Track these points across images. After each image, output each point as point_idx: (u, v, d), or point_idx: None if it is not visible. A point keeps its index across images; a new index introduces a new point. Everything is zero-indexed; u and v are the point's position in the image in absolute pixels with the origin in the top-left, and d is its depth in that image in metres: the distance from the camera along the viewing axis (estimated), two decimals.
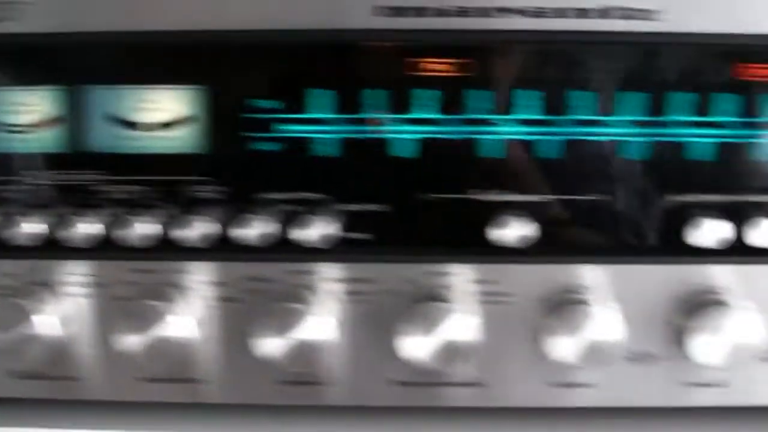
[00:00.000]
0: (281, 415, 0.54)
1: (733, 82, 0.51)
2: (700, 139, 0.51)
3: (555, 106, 0.51)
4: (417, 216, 0.52)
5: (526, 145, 0.51)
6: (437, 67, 0.51)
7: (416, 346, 0.50)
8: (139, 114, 0.52)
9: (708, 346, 0.50)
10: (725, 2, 0.49)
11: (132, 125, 0.52)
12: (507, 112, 0.51)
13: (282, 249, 0.52)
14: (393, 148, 0.52)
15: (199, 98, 0.52)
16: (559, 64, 0.51)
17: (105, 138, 0.52)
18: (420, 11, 0.49)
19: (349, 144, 0.52)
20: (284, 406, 0.54)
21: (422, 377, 0.53)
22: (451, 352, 0.50)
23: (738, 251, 0.51)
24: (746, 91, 0.51)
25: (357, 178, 0.52)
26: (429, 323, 0.50)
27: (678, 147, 0.51)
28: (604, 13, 0.49)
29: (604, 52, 0.50)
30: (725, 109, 0.51)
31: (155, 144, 0.52)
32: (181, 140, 0.52)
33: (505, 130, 0.51)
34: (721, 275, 0.52)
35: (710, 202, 0.52)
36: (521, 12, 0.49)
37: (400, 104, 0.51)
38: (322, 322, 0.52)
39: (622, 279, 0.52)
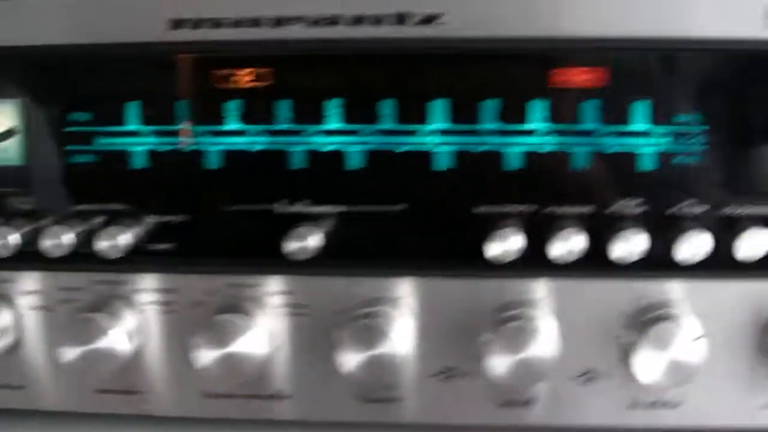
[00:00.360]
0: None
1: (544, 88, 0.50)
2: (510, 148, 0.51)
3: (361, 115, 0.51)
4: (220, 227, 0.52)
5: (332, 155, 0.51)
6: (240, 78, 0.51)
7: (207, 358, 0.50)
8: None
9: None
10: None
11: None
12: (311, 122, 0.51)
13: (90, 259, 0.52)
14: (198, 159, 0.52)
15: (16, 111, 0.53)
16: (364, 73, 0.51)
17: None
18: (216, 23, 0.50)
19: (156, 156, 0.52)
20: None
21: (233, 390, 0.53)
22: (241, 363, 0.50)
23: (543, 265, 0.50)
24: (557, 97, 0.50)
25: (164, 189, 0.53)
26: (221, 336, 0.50)
27: (487, 156, 0.51)
28: (400, 19, 0.49)
29: (404, 59, 0.51)
30: (537, 116, 0.51)
31: None
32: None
33: (308, 141, 0.51)
34: (519, 288, 0.51)
35: (518, 212, 0.51)
36: (315, 22, 0.50)
37: (204, 115, 0.52)
38: (128, 332, 0.52)
39: (424, 291, 0.52)
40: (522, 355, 0.49)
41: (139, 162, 0.53)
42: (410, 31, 0.50)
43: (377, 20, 0.50)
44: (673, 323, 0.49)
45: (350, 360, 0.49)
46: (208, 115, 0.52)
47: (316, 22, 0.50)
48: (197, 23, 0.50)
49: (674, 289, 0.51)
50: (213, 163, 0.53)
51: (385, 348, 0.50)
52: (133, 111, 0.52)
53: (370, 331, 0.50)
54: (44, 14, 0.51)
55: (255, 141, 0.52)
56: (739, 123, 0.50)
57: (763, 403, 0.52)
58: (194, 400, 0.54)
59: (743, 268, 0.50)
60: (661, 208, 0.51)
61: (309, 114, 0.52)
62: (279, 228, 0.51)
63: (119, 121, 0.52)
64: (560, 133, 0.51)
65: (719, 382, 0.51)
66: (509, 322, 0.50)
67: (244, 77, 0.52)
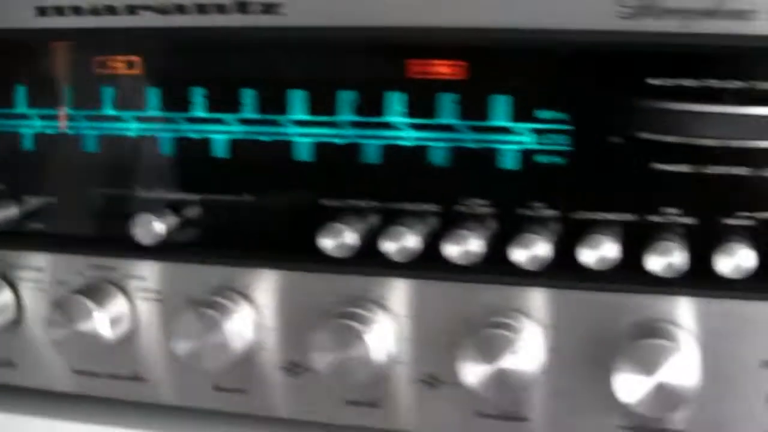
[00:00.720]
0: None
1: (403, 80, 0.49)
2: (366, 141, 0.50)
3: (223, 104, 0.51)
4: (85, 210, 0.54)
5: (198, 143, 0.52)
6: (111, 64, 0.53)
7: (58, 336, 0.52)
8: None
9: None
10: None
11: None
12: (174, 110, 0.52)
13: None
14: (72, 143, 0.54)
15: None
16: (220, 62, 0.51)
17: None
18: (77, 10, 0.51)
19: (39, 138, 0.54)
20: None
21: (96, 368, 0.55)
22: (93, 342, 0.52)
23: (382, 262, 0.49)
24: (416, 89, 0.49)
25: (37, 171, 0.55)
26: (68, 316, 0.52)
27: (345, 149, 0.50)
28: (242, 7, 0.49)
29: (260, 49, 0.51)
30: (395, 109, 0.49)
31: None
32: None
33: (176, 128, 0.52)
34: (355, 284, 0.50)
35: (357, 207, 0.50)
36: (163, 10, 0.50)
37: (79, 100, 0.53)
38: None
39: (271, 283, 0.52)
40: (345, 355, 0.48)
41: (15, 144, 0.55)
42: (252, 20, 0.49)
43: (220, 9, 0.49)
44: (502, 332, 0.47)
45: (182, 347, 0.50)
46: (83, 99, 0.53)
47: (164, 10, 0.50)
48: (60, 10, 0.51)
49: (514, 296, 0.49)
50: (89, 147, 0.54)
51: (218, 338, 0.50)
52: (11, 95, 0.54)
53: (204, 320, 0.50)
54: None
55: (128, 127, 0.53)
56: (599, 121, 0.47)
57: (617, 425, 0.49)
58: (66, 376, 0.56)
59: (591, 278, 0.47)
60: (513, 208, 0.49)
61: (176, 102, 0.52)
62: (137, 212, 0.52)
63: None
64: (417, 127, 0.50)
65: (566, 397, 0.49)
66: (340, 319, 0.48)
67: (114, 64, 0.53)
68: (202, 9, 0.50)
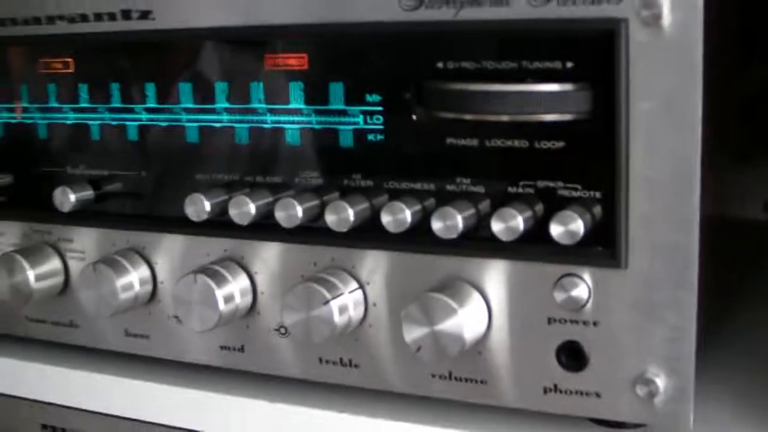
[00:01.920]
0: None
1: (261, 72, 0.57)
2: (238, 125, 0.59)
3: (133, 97, 0.61)
4: (32, 185, 0.66)
5: (117, 128, 0.62)
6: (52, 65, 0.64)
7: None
8: None
9: None
10: None
11: None
12: (102, 102, 0.62)
13: None
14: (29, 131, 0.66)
15: None
16: (124, 61, 0.61)
17: None
18: (13, 21, 0.63)
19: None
20: None
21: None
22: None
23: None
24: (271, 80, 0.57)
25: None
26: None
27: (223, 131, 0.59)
28: (126, 14, 0.59)
29: (151, 49, 0.60)
30: (257, 96, 0.58)
31: None
32: None
33: (101, 117, 0.63)
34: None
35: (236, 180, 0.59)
36: (72, 19, 0.61)
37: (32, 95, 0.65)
38: None
39: (163, 246, 0.61)
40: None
41: None
42: (135, 25, 0.59)
43: (111, 16, 0.59)
44: (314, 286, 0.54)
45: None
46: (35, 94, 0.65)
47: (72, 19, 0.61)
48: (2, 22, 0.63)
49: (340, 256, 0.56)
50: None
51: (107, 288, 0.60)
52: None
53: (99, 275, 0.60)
54: None
55: (68, 116, 0.64)
56: (403, 103, 0.53)
57: (430, 373, 0.55)
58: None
59: (391, 240, 0.53)
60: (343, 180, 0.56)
61: (100, 95, 0.62)
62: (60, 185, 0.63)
63: None
64: (274, 111, 0.58)
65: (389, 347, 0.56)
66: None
67: (54, 64, 0.64)
68: (98, 17, 0.59)
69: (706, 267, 0.50)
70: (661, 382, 0.49)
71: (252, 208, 0.56)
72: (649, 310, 0.49)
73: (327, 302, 0.53)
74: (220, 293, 0.56)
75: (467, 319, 0.51)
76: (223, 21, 0.56)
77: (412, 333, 0.51)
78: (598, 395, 0.51)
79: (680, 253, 0.48)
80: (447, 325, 0.51)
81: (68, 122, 0.63)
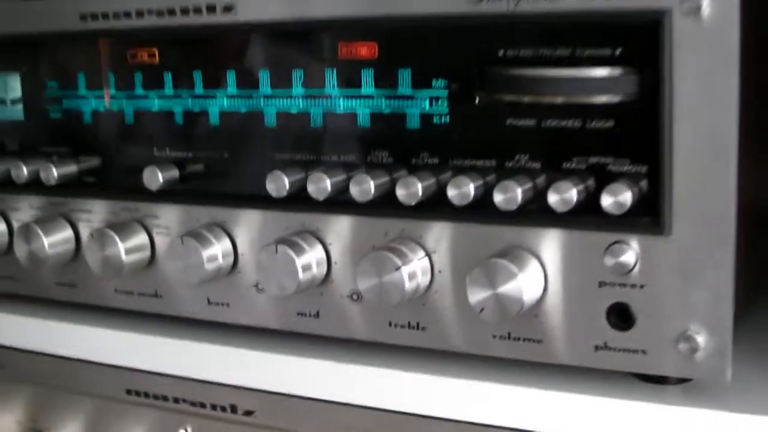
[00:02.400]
0: None
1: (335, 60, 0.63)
2: (313, 110, 0.64)
3: (217, 82, 0.67)
4: (120, 167, 0.72)
5: (201, 115, 0.68)
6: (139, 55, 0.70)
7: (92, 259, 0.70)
8: None
9: None
10: None
11: None
12: (187, 88, 0.68)
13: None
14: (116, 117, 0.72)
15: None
16: (212, 50, 0.67)
17: None
18: (105, 15, 0.69)
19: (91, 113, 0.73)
20: None
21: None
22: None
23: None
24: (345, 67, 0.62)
25: (93, 138, 0.73)
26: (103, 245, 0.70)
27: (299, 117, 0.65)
28: (210, 8, 0.65)
29: (234, 39, 0.66)
30: (331, 83, 0.64)
31: None
32: None
33: (185, 103, 0.69)
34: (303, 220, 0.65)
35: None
36: (160, 13, 0.67)
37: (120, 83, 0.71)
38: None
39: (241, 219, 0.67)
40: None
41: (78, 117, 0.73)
42: (219, 18, 0.65)
43: (197, 10, 0.65)
44: (386, 253, 0.60)
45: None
46: (122, 82, 0.71)
47: (160, 13, 0.67)
48: (94, 16, 0.69)
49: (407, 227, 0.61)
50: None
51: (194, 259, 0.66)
52: (80, 80, 0.73)
53: (187, 247, 0.66)
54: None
55: (152, 104, 0.70)
56: (468, 86, 0.59)
57: (492, 334, 0.60)
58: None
59: (458, 213, 0.59)
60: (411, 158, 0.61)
61: (183, 83, 0.69)
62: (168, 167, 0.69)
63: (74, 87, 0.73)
64: (347, 96, 0.63)
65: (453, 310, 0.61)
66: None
67: (141, 55, 0.70)
68: (185, 11, 0.66)
69: (746, 238, 0.55)
70: (701, 339, 0.54)
71: (328, 184, 0.61)
72: (690, 274, 0.54)
73: (398, 268, 0.59)
74: (299, 262, 0.62)
75: (526, 283, 0.56)
76: (300, 14, 0.62)
77: (476, 295, 0.57)
78: (644, 352, 0.56)
79: (719, 221, 0.53)
80: (508, 287, 0.56)
81: (154, 109, 0.69)
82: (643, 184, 0.55)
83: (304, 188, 0.62)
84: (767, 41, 0.63)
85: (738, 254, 0.53)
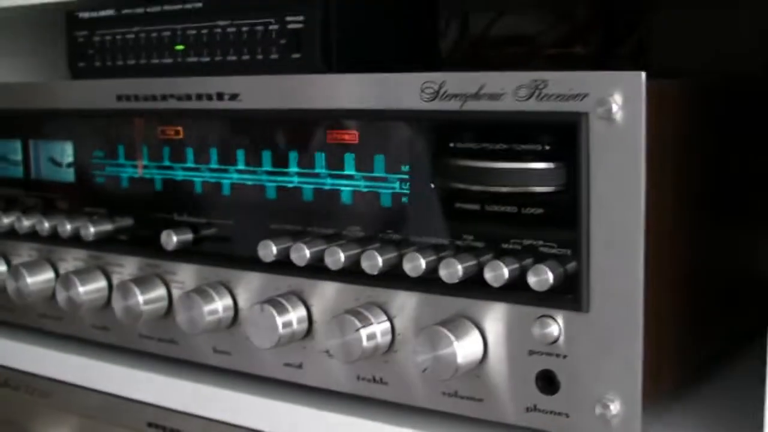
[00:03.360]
0: None
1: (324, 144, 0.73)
2: (305, 186, 0.74)
3: (229, 160, 0.78)
4: (147, 228, 0.83)
5: (214, 186, 0.79)
6: (162, 131, 0.81)
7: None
8: None
9: None
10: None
11: None
12: (204, 163, 0.79)
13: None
14: (148, 184, 0.83)
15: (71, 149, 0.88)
16: (223, 132, 0.78)
17: None
18: (136, 97, 0.80)
19: (130, 180, 0.84)
20: None
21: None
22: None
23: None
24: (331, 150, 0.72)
25: (127, 201, 0.84)
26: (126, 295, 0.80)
27: (294, 191, 0.74)
28: (220, 96, 0.76)
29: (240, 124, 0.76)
30: (320, 163, 0.73)
31: None
32: None
33: (201, 175, 0.79)
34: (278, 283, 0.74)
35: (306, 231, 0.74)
36: (179, 98, 0.78)
37: (150, 154, 0.82)
38: None
39: (242, 283, 0.77)
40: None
41: (116, 183, 0.84)
42: (226, 105, 0.75)
43: (208, 97, 0.76)
44: (351, 316, 0.68)
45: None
46: (152, 154, 0.82)
47: (180, 97, 0.77)
48: (128, 97, 0.81)
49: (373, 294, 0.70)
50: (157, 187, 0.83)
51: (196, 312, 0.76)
52: (119, 150, 0.84)
53: (191, 301, 0.76)
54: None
55: (177, 174, 0.81)
56: (424, 173, 0.68)
57: (442, 392, 0.68)
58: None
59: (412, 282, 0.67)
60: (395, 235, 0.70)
61: (203, 156, 0.79)
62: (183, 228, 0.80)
63: (113, 157, 0.85)
64: (333, 176, 0.73)
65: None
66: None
67: (168, 131, 0.81)
68: (199, 97, 0.76)
69: (692, 309, 0.63)
70: (615, 406, 0.61)
71: (307, 253, 0.70)
72: (606, 346, 0.61)
73: (357, 330, 0.67)
74: (279, 320, 0.71)
75: (462, 348, 0.64)
76: (296, 104, 0.71)
77: (420, 356, 0.65)
78: (567, 415, 0.63)
79: (629, 301, 0.60)
80: (445, 351, 0.64)
81: (177, 178, 0.80)
82: (569, 265, 0.62)
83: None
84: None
85: (667, 329, 0.61)
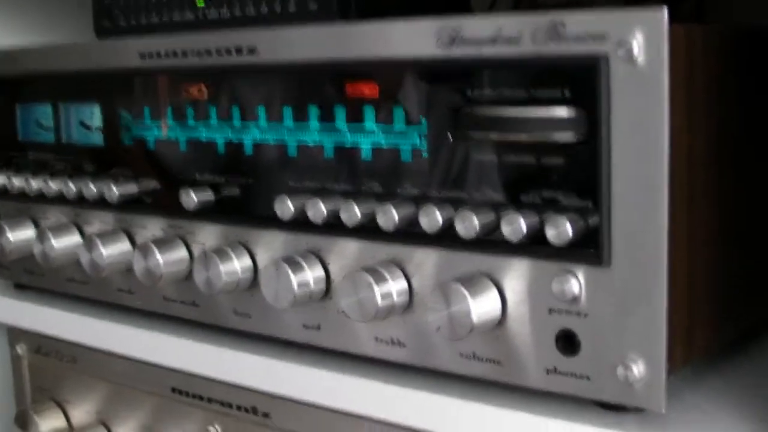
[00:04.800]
0: None
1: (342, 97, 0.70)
2: (326, 142, 0.72)
3: (248, 116, 0.76)
4: (171, 190, 0.81)
5: (237, 144, 0.77)
6: (186, 89, 0.80)
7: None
8: None
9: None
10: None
11: None
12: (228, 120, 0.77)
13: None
14: (171, 144, 0.81)
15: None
16: (241, 88, 0.76)
17: None
18: (158, 54, 0.79)
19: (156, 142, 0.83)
20: None
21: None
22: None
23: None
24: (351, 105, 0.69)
25: (152, 162, 0.83)
26: (146, 257, 0.79)
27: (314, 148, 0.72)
28: (238, 50, 0.73)
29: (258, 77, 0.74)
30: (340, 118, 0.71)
31: None
32: None
33: (221, 134, 0.78)
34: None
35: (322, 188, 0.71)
36: (198, 53, 0.76)
37: (174, 114, 0.81)
38: None
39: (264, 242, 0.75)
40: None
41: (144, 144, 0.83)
42: (245, 59, 0.73)
43: (227, 51, 0.74)
44: (365, 273, 0.66)
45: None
46: (177, 113, 0.80)
47: (199, 53, 0.76)
48: (150, 55, 0.79)
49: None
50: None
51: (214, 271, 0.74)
52: (146, 111, 0.82)
53: (209, 261, 0.74)
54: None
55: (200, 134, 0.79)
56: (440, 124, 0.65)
57: (459, 352, 0.65)
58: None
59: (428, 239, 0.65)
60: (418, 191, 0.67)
61: (227, 115, 0.77)
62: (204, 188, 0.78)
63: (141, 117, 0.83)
64: (353, 130, 0.70)
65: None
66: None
67: (191, 89, 0.79)
68: (219, 52, 0.74)
69: (720, 265, 0.59)
70: (638, 368, 0.57)
71: (323, 209, 0.68)
72: (628, 305, 0.57)
73: (371, 287, 0.64)
74: (295, 279, 0.69)
75: (477, 305, 0.61)
76: (312, 55, 0.69)
77: (433, 314, 0.62)
78: (588, 378, 0.60)
79: (652, 255, 0.56)
80: (459, 308, 0.61)
81: (202, 138, 0.78)
82: (590, 218, 0.58)
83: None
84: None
85: (700, 290, 0.58)
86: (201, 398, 0.80)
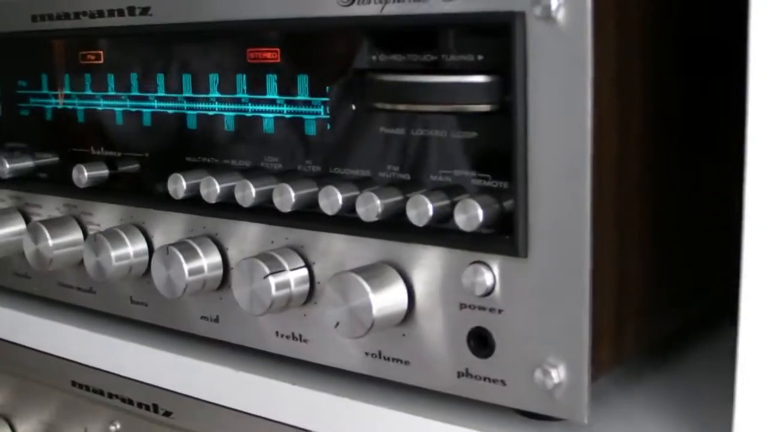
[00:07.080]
0: None
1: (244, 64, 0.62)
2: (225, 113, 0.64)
3: (147, 85, 0.68)
4: (65, 164, 0.73)
5: (133, 114, 0.69)
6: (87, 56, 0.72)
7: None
8: None
9: None
10: None
11: None
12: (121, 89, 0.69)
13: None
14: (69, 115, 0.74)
15: None
16: (133, 52, 0.68)
17: None
18: (50, 16, 0.71)
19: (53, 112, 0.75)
20: None
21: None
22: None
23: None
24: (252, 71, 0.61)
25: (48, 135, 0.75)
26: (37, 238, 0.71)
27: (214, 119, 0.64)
28: (131, 11, 0.66)
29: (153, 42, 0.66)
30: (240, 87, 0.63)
31: None
32: None
33: (119, 103, 0.70)
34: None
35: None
36: (77, 15, 0.68)
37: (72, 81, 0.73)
38: None
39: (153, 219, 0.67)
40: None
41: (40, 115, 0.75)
42: (138, 20, 0.65)
43: (120, 12, 0.66)
44: (259, 261, 0.58)
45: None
46: (73, 81, 0.72)
47: (92, 15, 0.68)
48: (42, 17, 0.71)
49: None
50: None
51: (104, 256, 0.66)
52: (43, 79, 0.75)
53: (99, 244, 0.67)
54: None
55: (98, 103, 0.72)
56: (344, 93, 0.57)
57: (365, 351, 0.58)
58: None
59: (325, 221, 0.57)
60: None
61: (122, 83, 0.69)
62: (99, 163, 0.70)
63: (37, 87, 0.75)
64: (254, 101, 0.62)
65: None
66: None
67: (88, 56, 0.71)
68: (111, 13, 0.66)
69: (661, 256, 0.53)
70: (558, 372, 0.50)
71: (217, 188, 0.60)
72: (548, 301, 0.50)
73: (266, 276, 0.57)
74: (186, 266, 0.61)
75: (379, 298, 0.53)
76: (208, 17, 0.61)
77: (331, 309, 0.54)
78: (503, 383, 0.52)
79: (574, 245, 0.49)
80: (359, 302, 0.53)
81: (99, 108, 0.70)
82: (506, 201, 0.51)
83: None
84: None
85: (630, 286, 0.51)
86: (102, 393, 0.73)
